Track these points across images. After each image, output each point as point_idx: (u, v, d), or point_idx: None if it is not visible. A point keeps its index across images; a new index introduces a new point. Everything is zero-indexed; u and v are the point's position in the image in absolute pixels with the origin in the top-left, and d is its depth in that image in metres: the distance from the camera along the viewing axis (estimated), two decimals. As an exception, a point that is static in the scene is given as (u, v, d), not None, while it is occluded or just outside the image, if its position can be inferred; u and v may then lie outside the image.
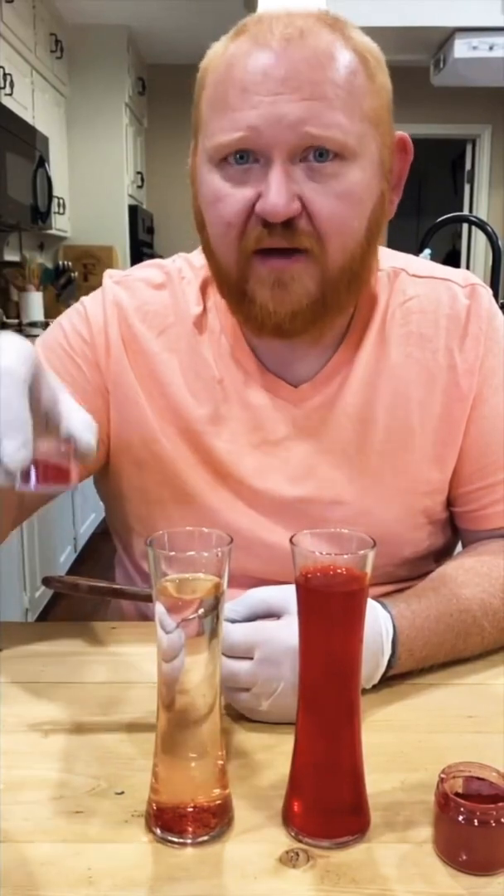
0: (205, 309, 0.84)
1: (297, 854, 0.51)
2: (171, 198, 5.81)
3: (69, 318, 0.87)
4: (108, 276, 0.88)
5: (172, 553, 0.51)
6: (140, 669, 0.73)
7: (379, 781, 0.57)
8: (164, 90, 5.66)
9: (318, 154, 0.69)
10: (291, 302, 0.73)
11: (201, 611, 0.51)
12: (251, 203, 0.70)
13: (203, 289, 0.85)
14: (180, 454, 0.83)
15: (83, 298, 0.88)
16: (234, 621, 0.64)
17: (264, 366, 0.82)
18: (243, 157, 0.70)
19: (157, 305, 0.84)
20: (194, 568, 0.51)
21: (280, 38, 0.69)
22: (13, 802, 0.56)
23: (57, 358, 0.84)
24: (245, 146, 0.69)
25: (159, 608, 0.51)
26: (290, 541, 0.51)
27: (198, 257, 0.87)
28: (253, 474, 0.82)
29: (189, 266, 0.87)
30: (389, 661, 0.67)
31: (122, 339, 0.83)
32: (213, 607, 0.51)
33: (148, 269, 0.89)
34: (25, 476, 0.51)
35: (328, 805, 0.53)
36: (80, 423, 0.54)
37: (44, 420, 0.54)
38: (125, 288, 0.86)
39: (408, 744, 0.63)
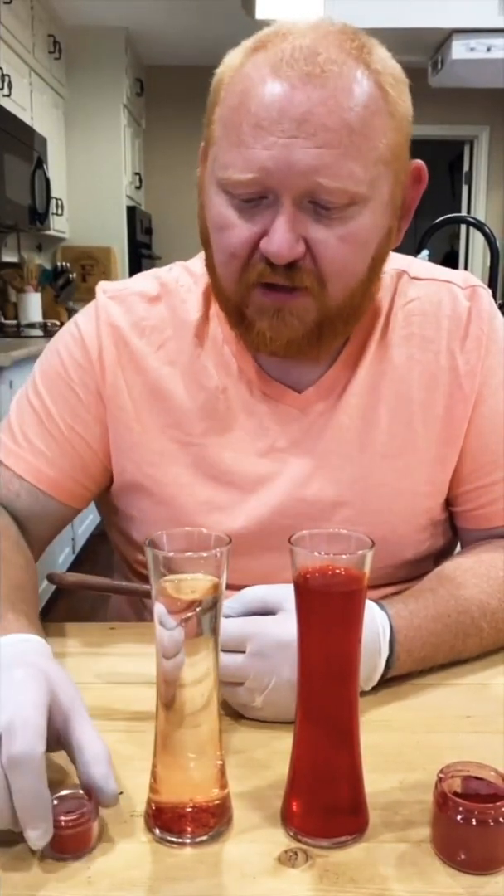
0: (206, 317, 0.84)
1: (296, 854, 0.51)
2: (169, 199, 5.82)
3: (65, 343, 0.85)
4: (102, 290, 0.87)
5: (171, 553, 0.51)
6: (139, 669, 0.73)
7: (377, 781, 0.57)
8: (163, 91, 5.67)
9: (327, 200, 0.68)
10: (288, 332, 0.73)
11: (198, 609, 0.51)
12: (256, 238, 0.70)
13: (206, 296, 0.84)
14: (180, 471, 0.82)
15: (76, 318, 0.87)
16: (228, 617, 0.64)
17: (267, 373, 0.82)
18: (252, 193, 0.69)
19: (155, 320, 0.84)
20: (193, 568, 0.51)
21: (300, 73, 0.66)
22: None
23: (56, 389, 0.84)
24: (255, 187, 0.68)
25: (159, 607, 0.51)
26: (289, 541, 0.51)
27: (198, 264, 0.86)
28: (258, 481, 0.82)
29: (188, 274, 0.86)
30: (388, 662, 0.68)
31: (118, 361, 0.83)
32: (212, 606, 0.51)
33: (143, 281, 0.87)
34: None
35: (327, 805, 0.53)
36: (101, 771, 0.52)
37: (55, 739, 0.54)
38: (120, 303, 0.85)
39: (406, 744, 0.63)
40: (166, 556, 0.51)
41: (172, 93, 5.69)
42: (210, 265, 0.77)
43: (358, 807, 0.53)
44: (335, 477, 0.82)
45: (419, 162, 0.76)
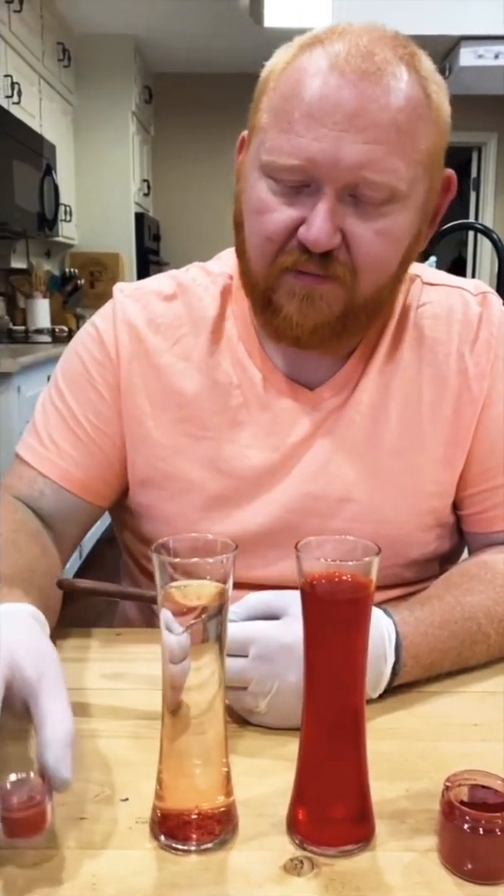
0: (222, 315, 0.85)
1: (302, 862, 0.51)
2: (177, 205, 5.84)
3: (83, 343, 0.87)
4: (119, 289, 0.88)
5: (177, 559, 0.51)
6: (145, 675, 0.73)
7: (384, 789, 0.56)
8: (171, 98, 5.70)
9: (369, 195, 0.69)
10: (315, 317, 0.74)
11: (204, 616, 0.51)
12: (295, 224, 0.71)
13: (223, 294, 0.85)
14: (192, 465, 0.83)
15: (94, 318, 0.88)
16: (232, 621, 0.64)
17: (280, 370, 0.83)
18: (296, 180, 0.70)
19: (170, 317, 0.85)
20: (199, 574, 0.51)
21: (356, 69, 0.67)
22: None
23: (78, 388, 0.85)
24: (300, 174, 0.70)
25: (165, 613, 0.51)
26: (296, 547, 0.51)
27: (215, 264, 0.88)
28: (269, 476, 0.83)
29: (205, 273, 0.88)
30: (394, 669, 0.67)
31: (133, 357, 0.84)
32: (218, 612, 0.51)
33: (160, 280, 0.89)
34: None
35: (333, 813, 0.53)
36: (54, 755, 0.49)
37: (21, 715, 0.52)
38: (136, 300, 0.86)
39: (413, 752, 0.63)
40: (173, 561, 0.51)
41: (181, 100, 5.71)
42: (241, 250, 0.78)
43: (364, 815, 0.53)
44: (343, 473, 0.83)
45: (450, 171, 0.78)
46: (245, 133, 0.78)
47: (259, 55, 0.81)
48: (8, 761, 0.49)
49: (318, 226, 0.69)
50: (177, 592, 0.51)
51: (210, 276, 0.87)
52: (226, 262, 0.88)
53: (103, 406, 0.85)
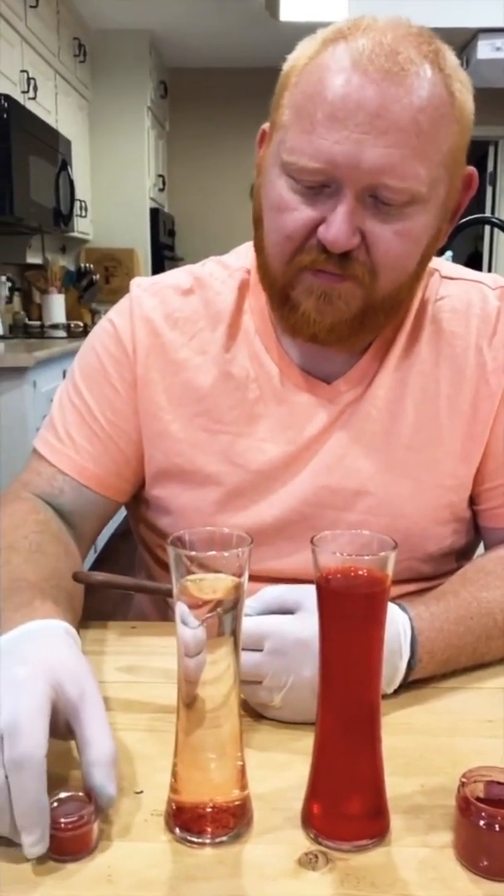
0: (240, 310, 0.85)
1: (316, 856, 0.51)
2: (192, 201, 5.84)
3: (100, 339, 0.87)
4: (136, 284, 0.89)
5: (193, 553, 0.51)
6: (161, 669, 0.73)
7: (399, 785, 0.56)
8: (186, 93, 5.69)
9: (389, 197, 0.69)
10: (333, 314, 0.74)
11: (220, 610, 0.51)
12: (314, 224, 0.71)
13: (240, 289, 0.85)
14: (208, 459, 0.84)
15: (110, 313, 0.88)
16: (247, 616, 0.64)
17: (297, 364, 0.83)
18: (316, 181, 0.70)
19: (187, 311, 0.85)
20: (215, 568, 0.51)
21: (380, 69, 0.67)
22: (33, 800, 0.56)
23: (95, 384, 0.86)
24: (321, 176, 0.69)
25: (181, 606, 0.51)
26: (311, 542, 0.51)
27: (232, 258, 0.89)
28: (285, 470, 0.83)
29: (222, 267, 0.88)
30: (410, 664, 0.67)
31: (150, 352, 0.84)
32: (234, 606, 0.51)
33: (177, 274, 0.90)
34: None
35: (348, 807, 0.53)
36: (101, 775, 0.51)
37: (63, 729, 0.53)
38: (153, 295, 0.87)
39: (427, 747, 0.62)
40: (189, 554, 0.51)
41: (196, 95, 5.70)
42: (259, 245, 0.78)
43: (379, 810, 0.53)
44: (360, 466, 0.82)
45: (472, 168, 0.77)
46: (266, 126, 0.78)
47: (275, 50, 0.81)
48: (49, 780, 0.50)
49: (337, 227, 0.69)
50: (192, 586, 0.51)
51: (227, 270, 0.87)
52: (243, 256, 0.88)
53: (119, 401, 0.85)
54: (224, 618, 0.51)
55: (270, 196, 0.74)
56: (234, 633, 0.52)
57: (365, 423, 0.82)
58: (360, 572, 0.50)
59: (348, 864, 0.50)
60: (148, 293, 0.87)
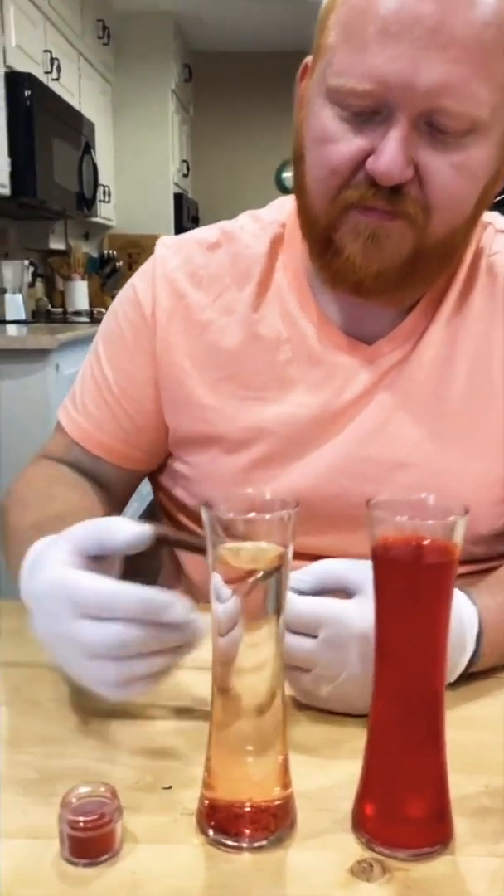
0: (272, 266, 0.79)
1: (371, 865, 0.44)
2: (216, 186, 5.77)
3: (121, 304, 0.84)
4: (161, 243, 0.84)
5: (231, 515, 0.45)
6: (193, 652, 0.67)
7: (460, 784, 0.49)
8: (211, 78, 5.62)
9: (446, 124, 0.62)
10: (381, 259, 0.67)
11: (260, 573, 0.44)
12: (363, 155, 0.64)
13: (274, 244, 0.79)
14: (237, 426, 0.78)
15: (134, 277, 0.85)
16: (300, 591, 0.57)
17: (334, 323, 0.77)
18: (366, 106, 0.63)
19: (213, 267, 0.80)
20: (256, 534, 0.45)
21: None
22: (50, 794, 0.49)
23: (113, 350, 0.83)
24: (371, 100, 0.62)
25: (215, 578, 0.45)
26: (367, 505, 0.45)
27: (267, 211, 0.83)
28: (320, 437, 0.76)
29: (254, 220, 0.83)
30: (472, 658, 0.60)
31: (172, 316, 0.80)
32: (276, 580, 0.45)
33: (205, 229, 0.85)
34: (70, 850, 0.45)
35: (406, 810, 0.46)
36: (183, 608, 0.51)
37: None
38: (176, 253, 0.82)
39: (489, 744, 0.56)
40: (225, 517, 0.44)
41: (221, 79, 5.63)
42: (300, 185, 0.71)
43: (442, 813, 0.46)
44: (403, 434, 0.75)
45: None
46: (309, 59, 0.71)
47: (302, 32, 0.75)
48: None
49: (389, 156, 0.62)
50: (230, 554, 0.45)
51: (259, 223, 0.81)
52: (279, 209, 0.82)
53: (134, 369, 0.81)
54: (265, 591, 0.45)
55: (314, 127, 0.67)
56: (277, 612, 0.46)
57: (410, 387, 0.76)
58: (425, 541, 0.44)
59: (408, 875, 0.44)
60: (171, 251, 0.82)
